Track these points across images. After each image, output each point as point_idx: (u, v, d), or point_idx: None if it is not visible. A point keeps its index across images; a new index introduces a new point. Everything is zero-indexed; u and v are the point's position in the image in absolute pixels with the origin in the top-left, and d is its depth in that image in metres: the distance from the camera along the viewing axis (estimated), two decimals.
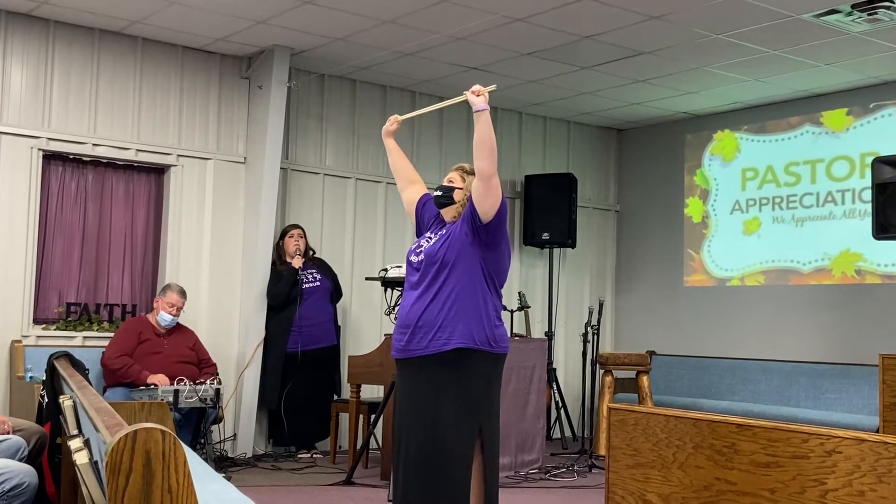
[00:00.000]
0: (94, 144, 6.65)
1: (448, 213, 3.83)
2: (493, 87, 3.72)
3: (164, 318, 6.26)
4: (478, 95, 3.64)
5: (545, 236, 8.42)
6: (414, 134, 8.02)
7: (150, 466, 1.44)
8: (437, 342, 3.63)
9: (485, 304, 3.67)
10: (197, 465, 3.63)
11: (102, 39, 6.70)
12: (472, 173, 3.81)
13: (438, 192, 3.85)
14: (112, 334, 6.36)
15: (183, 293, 6.37)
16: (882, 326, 7.23)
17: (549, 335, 8.33)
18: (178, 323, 6.40)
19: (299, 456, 7.00)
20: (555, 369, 8.19)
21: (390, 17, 6.18)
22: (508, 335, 3.88)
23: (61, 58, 6.55)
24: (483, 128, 3.62)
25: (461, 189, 3.80)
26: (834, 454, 2.88)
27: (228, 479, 4.67)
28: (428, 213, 3.94)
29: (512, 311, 7.77)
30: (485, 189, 3.61)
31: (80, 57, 6.62)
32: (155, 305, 6.38)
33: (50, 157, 6.57)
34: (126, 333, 6.18)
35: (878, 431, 5.99)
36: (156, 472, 1.44)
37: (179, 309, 6.32)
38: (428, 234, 3.86)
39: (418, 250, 3.79)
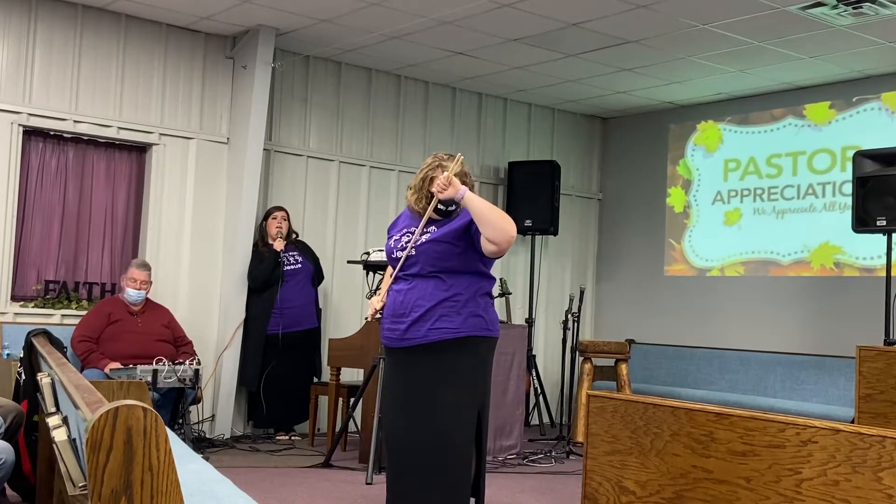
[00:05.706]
0: (76, 121, 6.59)
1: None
2: (457, 163, 3.48)
3: (129, 294, 6.20)
4: (445, 189, 3.49)
5: (527, 223, 8.42)
6: (399, 116, 8.00)
7: (131, 443, 1.44)
8: (435, 332, 3.58)
9: (479, 288, 3.66)
10: (175, 446, 3.62)
11: (85, 15, 6.63)
12: (468, 174, 3.76)
13: (444, 208, 3.67)
14: None
15: (145, 266, 6.27)
16: (859, 318, 7.29)
17: (530, 322, 8.36)
18: (150, 301, 6.36)
19: (278, 438, 7.00)
20: (534, 356, 8.22)
21: (377, 0, 6.15)
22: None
23: (43, 33, 6.48)
24: (474, 207, 3.49)
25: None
26: (810, 444, 2.90)
27: (206, 459, 4.65)
28: (400, 223, 3.84)
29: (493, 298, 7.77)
30: (500, 252, 3.56)
31: (63, 32, 6.55)
32: (121, 284, 6.33)
33: (30, 133, 6.50)
34: (93, 316, 6.12)
35: (853, 422, 6.05)
36: (137, 450, 1.44)
37: (144, 283, 6.21)
38: (408, 230, 3.72)
39: (405, 244, 3.66)
